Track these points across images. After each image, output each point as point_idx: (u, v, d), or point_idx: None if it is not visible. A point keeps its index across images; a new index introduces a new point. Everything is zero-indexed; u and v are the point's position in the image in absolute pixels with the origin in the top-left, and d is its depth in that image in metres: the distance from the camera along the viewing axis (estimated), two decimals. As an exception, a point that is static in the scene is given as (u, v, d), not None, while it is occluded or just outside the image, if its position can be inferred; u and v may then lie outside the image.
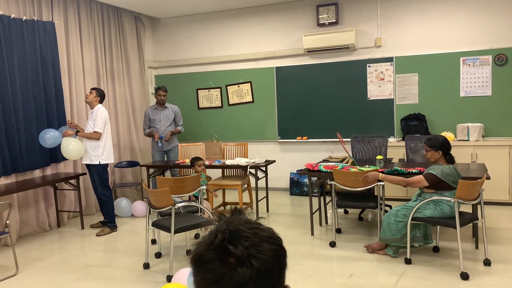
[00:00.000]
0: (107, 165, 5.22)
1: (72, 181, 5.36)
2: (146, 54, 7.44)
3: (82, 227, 5.39)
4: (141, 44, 7.27)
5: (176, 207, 3.77)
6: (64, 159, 5.43)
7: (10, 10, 5.03)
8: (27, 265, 4.16)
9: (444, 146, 3.82)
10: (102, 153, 5.11)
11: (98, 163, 5.09)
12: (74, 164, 5.88)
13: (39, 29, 5.34)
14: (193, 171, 5.13)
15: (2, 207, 3.89)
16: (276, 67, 6.96)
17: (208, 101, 7.47)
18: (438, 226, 4.11)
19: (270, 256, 0.82)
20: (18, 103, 5.06)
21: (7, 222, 3.99)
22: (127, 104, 6.96)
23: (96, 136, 5.07)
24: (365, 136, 5.63)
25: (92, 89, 5.22)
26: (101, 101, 5.23)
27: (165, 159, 6.40)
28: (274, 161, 5.71)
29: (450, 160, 3.87)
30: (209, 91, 7.44)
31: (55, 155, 5.40)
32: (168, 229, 3.77)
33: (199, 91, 7.50)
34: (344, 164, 4.77)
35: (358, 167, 4.50)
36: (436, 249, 4.10)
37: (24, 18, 5.16)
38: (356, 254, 4.11)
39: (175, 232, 3.73)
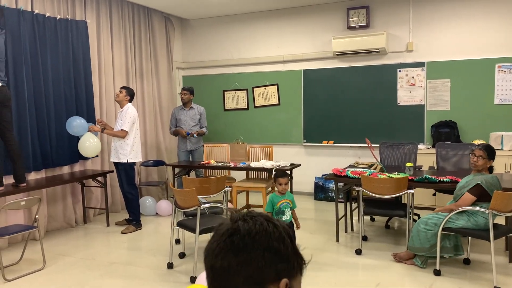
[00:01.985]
0: (134, 163, 5.26)
1: (99, 178, 5.43)
2: (174, 54, 7.49)
3: (108, 224, 5.45)
4: (170, 44, 7.33)
5: (201, 208, 3.76)
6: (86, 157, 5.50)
7: (45, 9, 5.14)
8: (54, 260, 4.23)
9: (495, 155, 3.76)
10: (130, 152, 5.16)
11: (125, 161, 5.14)
12: (102, 162, 5.96)
13: (72, 28, 5.44)
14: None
15: (32, 201, 3.96)
16: (303, 70, 6.90)
17: (234, 102, 7.46)
18: (470, 238, 3.96)
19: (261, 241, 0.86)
20: (50, 101, 5.16)
21: (36, 216, 4.06)
22: (154, 104, 7.02)
23: (122, 134, 5.11)
24: (394, 142, 5.51)
25: (122, 88, 5.28)
26: (130, 100, 5.28)
27: (190, 159, 6.42)
28: (299, 165, 5.64)
29: (490, 169, 3.78)
30: (235, 92, 7.44)
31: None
32: (193, 230, 3.76)
33: (225, 92, 7.50)
34: (372, 170, 4.67)
35: (387, 174, 4.39)
36: (467, 261, 3.96)
37: (58, 17, 5.27)
38: (383, 263, 4.01)
39: (200, 233, 3.72)
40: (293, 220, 3.89)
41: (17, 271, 3.95)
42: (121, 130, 5.11)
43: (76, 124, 5.06)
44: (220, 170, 6.01)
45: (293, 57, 6.98)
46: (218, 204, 4.22)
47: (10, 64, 4.62)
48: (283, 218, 3.71)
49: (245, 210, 0.96)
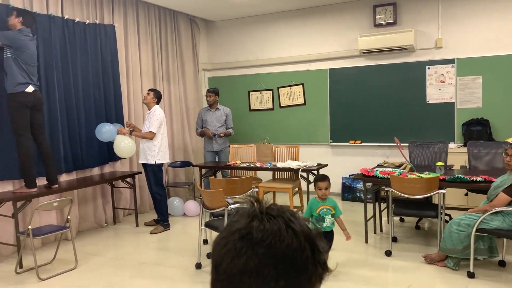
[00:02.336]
0: (162, 164, 5.32)
1: (128, 179, 5.53)
2: (200, 56, 7.55)
3: (137, 225, 5.54)
4: (196, 46, 7.39)
5: (229, 208, 3.77)
6: (121, 157, 5.60)
7: (74, 14, 5.26)
8: (85, 260, 4.32)
9: None
10: (158, 153, 5.22)
11: (153, 162, 5.21)
12: (130, 163, 6.06)
13: (100, 32, 5.55)
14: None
15: (64, 202, 4.06)
16: (329, 69, 6.83)
17: (259, 103, 7.46)
18: (505, 239, 3.83)
19: (289, 244, 0.73)
20: (80, 104, 5.28)
21: (68, 217, 4.16)
22: (181, 105, 7.09)
23: (149, 136, 5.18)
24: (423, 142, 5.39)
25: (150, 90, 5.35)
26: (158, 102, 5.35)
27: (217, 160, 6.45)
28: (326, 165, 5.59)
29: None
30: (260, 93, 7.44)
31: (112, 153, 5.56)
32: (220, 230, 3.76)
33: (250, 93, 7.51)
34: (401, 170, 4.58)
35: (417, 174, 4.30)
36: (502, 264, 3.83)
37: (87, 21, 5.39)
38: (414, 265, 3.92)
39: (228, 233, 3.72)
40: (338, 228, 3.62)
41: (50, 270, 4.06)
42: (149, 131, 5.18)
43: (105, 130, 5.15)
44: (246, 171, 6.02)
45: (318, 56, 6.93)
46: (245, 205, 4.22)
47: (42, 69, 4.75)
48: (323, 225, 3.52)
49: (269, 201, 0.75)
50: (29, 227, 3.86)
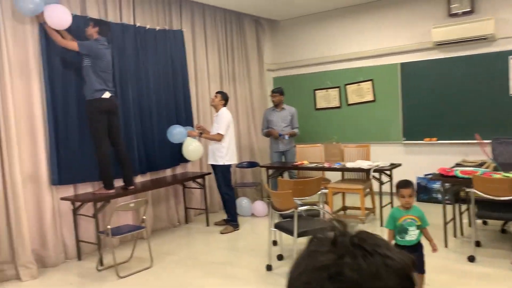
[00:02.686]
0: (230, 165, 5.38)
1: (198, 180, 5.65)
2: (265, 56, 7.55)
3: (207, 224, 5.64)
4: (261, 47, 7.40)
5: (298, 211, 3.70)
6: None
7: (145, 21, 5.47)
8: (160, 258, 4.46)
9: None
10: (226, 154, 5.28)
11: (222, 163, 5.28)
12: (200, 164, 6.19)
13: (169, 37, 5.73)
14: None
15: (140, 203, 4.22)
16: (400, 63, 6.52)
17: (325, 101, 7.31)
18: None
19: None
20: (152, 107, 5.48)
21: (144, 217, 4.33)
22: (247, 106, 7.14)
23: (218, 138, 5.25)
24: (508, 138, 4.95)
25: (217, 92, 5.43)
26: (225, 104, 5.41)
27: (283, 160, 6.40)
28: (399, 165, 5.33)
29: None
30: (327, 91, 7.28)
31: (183, 155, 5.71)
32: (290, 232, 3.72)
33: (316, 91, 7.38)
34: (484, 170, 4.23)
35: (502, 173, 3.95)
36: None
37: (157, 28, 5.58)
38: (500, 272, 3.61)
39: (298, 235, 3.66)
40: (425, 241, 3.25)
41: (128, 268, 4.24)
42: (217, 133, 5.25)
43: (176, 132, 5.31)
44: (314, 171, 5.91)
45: (388, 50, 6.64)
46: (315, 207, 4.13)
47: (117, 75, 4.98)
48: (407, 238, 3.15)
49: (351, 222, 0.56)
50: (108, 226, 4.06)
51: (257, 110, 7.24)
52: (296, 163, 5.79)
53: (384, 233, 4.85)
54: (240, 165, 6.59)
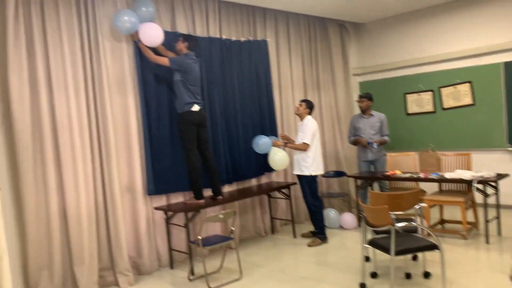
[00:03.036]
0: (316, 176, 5.22)
1: (284, 190, 5.57)
2: (350, 60, 7.30)
3: (294, 236, 5.53)
4: (346, 51, 7.16)
5: (396, 227, 3.44)
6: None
7: (230, 33, 5.53)
8: (248, 270, 4.43)
9: None
10: (312, 164, 5.14)
11: (308, 174, 5.14)
12: (285, 173, 6.11)
13: (254, 47, 5.73)
14: None
15: (229, 214, 4.23)
16: (504, 63, 5.91)
17: (418, 106, 6.85)
18: None
19: None
20: (238, 118, 5.51)
21: (232, 228, 4.33)
22: (332, 113, 6.93)
23: (304, 147, 5.13)
24: None
25: (302, 101, 5.32)
26: (310, 113, 5.28)
27: (372, 170, 6.09)
28: (506, 175, 4.80)
29: None
30: (419, 94, 6.83)
31: (268, 165, 5.66)
32: (387, 250, 3.47)
33: (407, 95, 6.95)
34: None
35: None
36: None
37: (242, 39, 5.61)
38: None
39: (396, 254, 3.41)
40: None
41: (218, 279, 4.26)
42: (303, 143, 5.13)
43: (261, 142, 5.29)
44: (407, 182, 5.55)
45: (489, 48, 6.05)
46: (414, 224, 3.83)
47: (205, 88, 5.08)
48: None
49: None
50: (199, 237, 4.12)
51: (342, 117, 7.00)
52: (388, 173, 5.47)
53: (490, 250, 4.39)
54: (326, 175, 6.40)
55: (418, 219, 4.19)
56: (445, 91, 6.53)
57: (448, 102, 6.52)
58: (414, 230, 3.98)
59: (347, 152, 6.94)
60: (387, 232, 3.82)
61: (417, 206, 3.96)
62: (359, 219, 5.72)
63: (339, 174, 6.43)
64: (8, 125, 3.85)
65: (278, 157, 5.31)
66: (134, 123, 4.57)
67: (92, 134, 4.30)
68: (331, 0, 5.89)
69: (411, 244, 3.54)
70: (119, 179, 4.39)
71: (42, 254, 3.95)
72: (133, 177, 4.57)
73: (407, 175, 5.24)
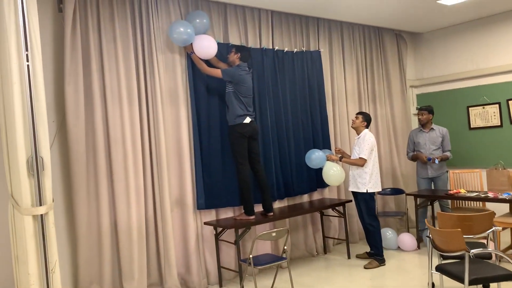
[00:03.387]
0: (374, 193, 4.92)
1: (338, 207, 5.28)
2: (407, 72, 6.94)
3: (348, 256, 5.21)
4: (402, 62, 6.82)
5: (470, 253, 3.10)
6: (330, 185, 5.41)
7: (283, 44, 5.38)
8: (301, 292, 4.19)
9: None
10: (369, 181, 4.84)
11: (365, 191, 4.84)
12: (338, 190, 5.82)
13: (307, 58, 5.55)
14: None
15: (281, 233, 4.01)
16: None
17: (482, 119, 6.37)
18: None
19: None
20: (290, 130, 5.32)
21: (285, 248, 4.10)
22: (388, 127, 6.59)
23: (360, 163, 4.85)
24: None
25: (358, 113, 5.06)
26: (367, 126, 5.01)
27: (432, 188, 5.69)
28: None
29: None
30: (483, 107, 6.35)
31: (321, 180, 5.39)
32: (459, 279, 3.12)
33: (470, 108, 6.49)
34: None
35: None
36: None
37: (295, 50, 5.44)
38: None
39: (470, 283, 3.05)
40: None
41: (269, 300, 4.04)
42: (360, 158, 4.85)
43: (315, 156, 5.06)
44: (472, 202, 5.11)
45: None
46: (490, 250, 3.45)
47: (256, 99, 4.94)
48: None
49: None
50: (251, 256, 3.92)
51: (399, 131, 6.63)
52: (451, 192, 5.06)
53: None
54: (382, 192, 6.04)
55: (491, 244, 3.81)
56: (513, 104, 6.03)
57: (517, 116, 6.01)
58: (489, 256, 3.60)
59: (404, 168, 6.55)
60: (456, 257, 3.47)
61: (491, 230, 3.59)
62: (419, 240, 5.33)
63: (396, 191, 6.07)
64: (63, 136, 3.87)
65: (333, 172, 5.05)
66: (185, 136, 4.49)
67: (145, 146, 4.25)
68: (388, 11, 5.63)
69: (487, 272, 3.18)
70: (169, 193, 4.31)
71: (93, 267, 3.91)
72: (184, 190, 4.46)
73: (474, 194, 4.82)
